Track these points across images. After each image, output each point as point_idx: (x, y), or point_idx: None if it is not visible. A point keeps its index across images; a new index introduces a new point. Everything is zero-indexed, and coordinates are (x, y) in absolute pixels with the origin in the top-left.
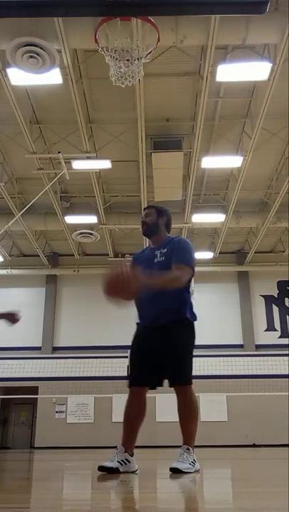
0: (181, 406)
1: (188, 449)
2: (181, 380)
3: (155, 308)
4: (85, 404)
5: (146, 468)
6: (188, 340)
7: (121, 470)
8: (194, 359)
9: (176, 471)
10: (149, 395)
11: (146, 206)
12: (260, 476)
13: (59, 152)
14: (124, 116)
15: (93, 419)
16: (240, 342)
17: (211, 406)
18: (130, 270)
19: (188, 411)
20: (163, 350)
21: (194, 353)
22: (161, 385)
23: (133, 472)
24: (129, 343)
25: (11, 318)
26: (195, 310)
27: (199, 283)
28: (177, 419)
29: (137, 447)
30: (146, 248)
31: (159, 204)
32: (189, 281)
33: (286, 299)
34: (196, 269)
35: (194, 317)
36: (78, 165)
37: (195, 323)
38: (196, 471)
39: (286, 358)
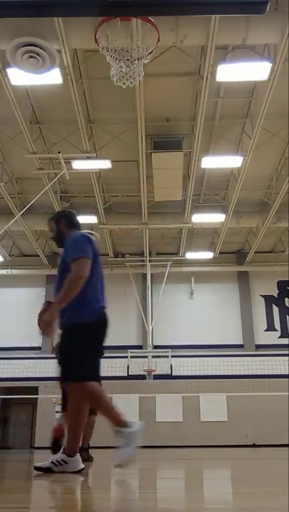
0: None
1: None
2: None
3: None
4: None
5: (146, 468)
6: (72, 342)
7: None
8: (194, 359)
9: (35, 469)
10: (150, 395)
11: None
12: (260, 476)
13: (59, 152)
14: (124, 116)
15: None
16: (240, 342)
17: (211, 406)
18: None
19: (69, 407)
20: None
21: (195, 353)
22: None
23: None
24: (129, 343)
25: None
26: (195, 310)
27: (199, 283)
28: (176, 420)
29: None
30: None
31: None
32: (91, 275)
33: (286, 299)
34: (196, 269)
35: (85, 317)
36: (78, 165)
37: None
38: (63, 472)
39: (286, 358)
